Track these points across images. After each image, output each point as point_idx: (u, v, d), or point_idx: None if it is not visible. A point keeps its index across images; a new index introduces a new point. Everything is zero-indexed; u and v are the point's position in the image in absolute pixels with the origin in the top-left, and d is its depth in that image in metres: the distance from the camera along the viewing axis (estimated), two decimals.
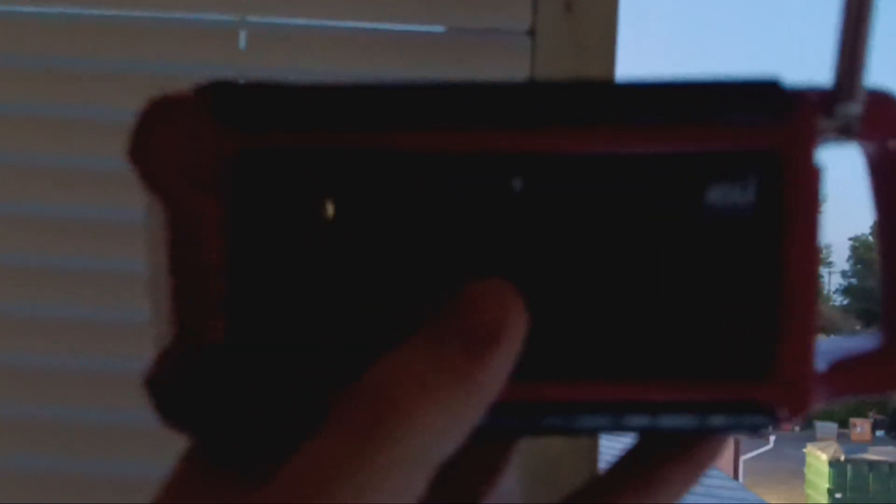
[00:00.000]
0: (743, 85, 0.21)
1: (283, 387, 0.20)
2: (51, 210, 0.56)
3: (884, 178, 0.23)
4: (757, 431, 0.21)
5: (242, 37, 0.54)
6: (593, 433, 0.22)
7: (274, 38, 0.55)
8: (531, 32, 0.53)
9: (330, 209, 0.20)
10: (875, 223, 0.23)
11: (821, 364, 0.21)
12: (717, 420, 0.21)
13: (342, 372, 0.19)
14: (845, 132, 0.21)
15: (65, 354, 0.56)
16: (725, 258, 0.20)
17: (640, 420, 0.21)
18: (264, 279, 0.20)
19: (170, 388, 0.20)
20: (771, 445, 10.98)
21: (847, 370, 0.22)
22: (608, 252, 0.20)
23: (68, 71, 0.55)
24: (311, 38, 0.54)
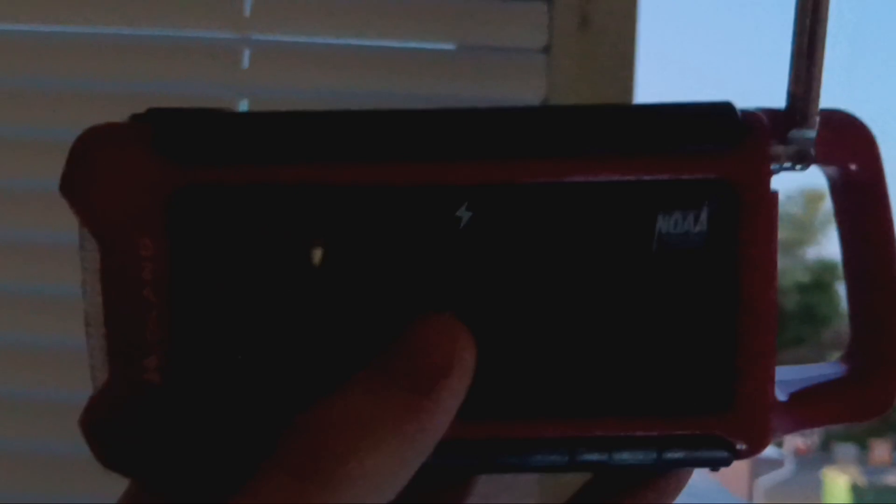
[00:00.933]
0: (695, 111, 0.20)
1: (222, 429, 0.19)
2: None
3: (844, 202, 0.22)
4: (716, 466, 0.21)
5: (245, 55, 0.52)
6: (548, 471, 0.21)
7: (278, 56, 0.53)
8: (546, 50, 0.51)
9: (269, 245, 0.19)
10: (840, 247, 0.23)
11: (782, 394, 0.21)
12: (674, 455, 0.20)
13: (283, 414, 0.18)
14: (800, 156, 0.20)
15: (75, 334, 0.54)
16: (680, 289, 0.20)
17: (597, 457, 0.20)
18: (202, 318, 0.19)
19: (106, 430, 0.19)
20: (787, 468, 10.87)
21: (809, 400, 0.22)
22: (559, 284, 0.20)
23: (65, 91, 0.54)
24: (316, 55, 0.53)
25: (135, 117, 0.20)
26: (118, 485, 0.21)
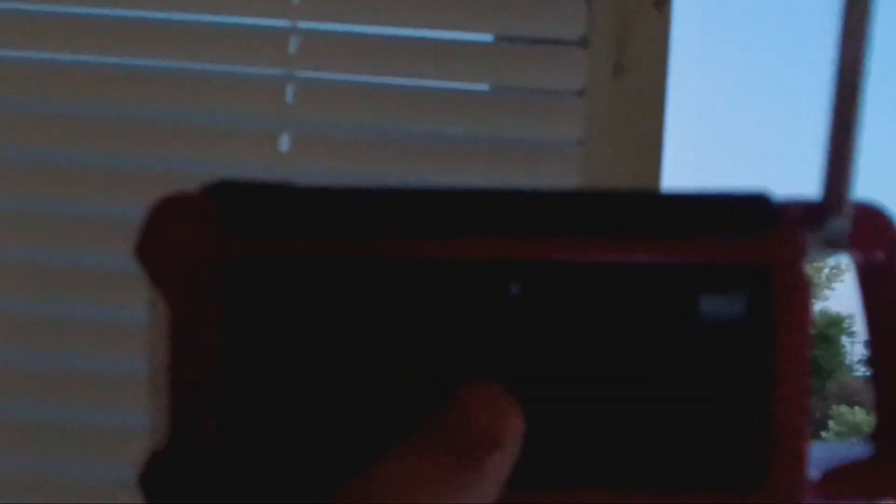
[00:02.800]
0: (733, 199, 0.21)
1: (277, 488, 0.20)
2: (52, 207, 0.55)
3: (872, 290, 0.23)
4: None
5: (290, 91, 0.54)
6: None
7: (321, 92, 0.55)
8: (581, 93, 0.53)
9: (328, 314, 0.20)
10: (866, 335, 0.24)
11: (814, 472, 0.22)
12: None
13: (335, 474, 0.19)
14: (833, 245, 0.22)
15: (66, 354, 0.54)
16: (717, 369, 0.21)
17: None
18: (260, 381, 0.20)
19: (163, 485, 0.20)
20: None
21: (839, 478, 0.22)
22: (602, 360, 0.21)
23: (119, 122, 0.55)
24: (357, 93, 0.54)
25: (205, 189, 0.21)
26: None
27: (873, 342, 0.24)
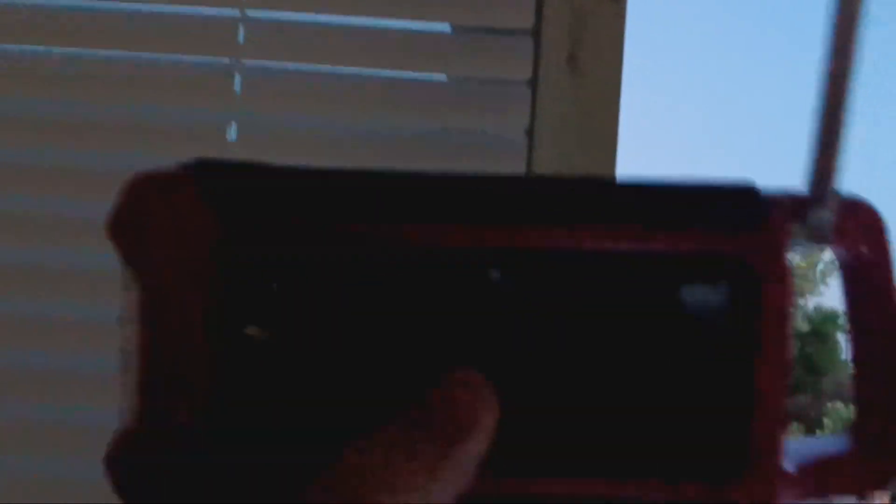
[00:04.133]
0: (720, 190, 0.21)
1: (249, 474, 0.20)
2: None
3: (856, 284, 0.23)
4: None
5: (237, 80, 0.53)
6: None
7: (270, 82, 0.54)
8: (532, 83, 0.52)
9: (308, 297, 0.20)
10: (847, 328, 0.24)
11: (790, 465, 0.22)
12: None
13: (311, 460, 0.18)
14: (817, 238, 0.22)
15: (65, 354, 0.54)
16: (698, 359, 0.21)
17: None
18: (236, 364, 0.20)
19: (133, 467, 0.20)
20: None
21: (815, 472, 0.22)
22: (582, 348, 0.20)
23: (61, 116, 0.54)
24: (307, 82, 0.54)
25: (182, 167, 0.20)
26: None
27: (855, 337, 0.23)
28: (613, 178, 0.22)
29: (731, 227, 0.21)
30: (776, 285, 0.21)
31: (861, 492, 0.23)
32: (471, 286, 0.20)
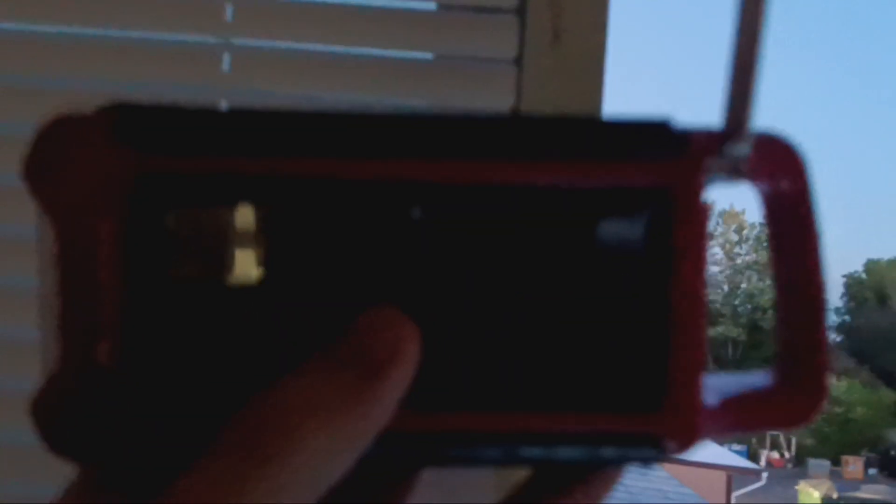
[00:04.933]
0: (635, 124, 0.21)
1: (173, 414, 0.20)
2: None
3: (775, 217, 0.23)
4: (646, 463, 0.22)
5: (226, 59, 0.54)
6: (488, 465, 0.22)
7: (259, 61, 0.54)
8: (517, 61, 0.53)
9: (227, 235, 0.20)
10: (770, 261, 0.24)
11: (712, 399, 0.22)
12: (608, 452, 0.21)
13: (234, 399, 0.19)
14: (734, 172, 0.22)
15: None
16: (616, 292, 0.21)
17: (535, 452, 0.21)
18: (156, 304, 0.20)
19: (55, 415, 0.19)
20: (763, 482, 10.91)
21: (738, 406, 0.23)
22: (501, 283, 0.21)
23: (44, 89, 0.54)
24: (296, 61, 0.54)
25: (100, 108, 0.20)
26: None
27: (777, 273, 0.24)
28: (528, 114, 0.22)
29: (647, 159, 0.21)
30: (692, 215, 0.21)
31: (784, 427, 0.23)
32: (388, 222, 0.20)
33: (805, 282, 0.23)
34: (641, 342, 0.21)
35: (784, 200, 0.23)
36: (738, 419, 0.22)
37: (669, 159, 0.21)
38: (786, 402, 0.23)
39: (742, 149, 0.21)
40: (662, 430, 0.21)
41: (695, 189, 0.21)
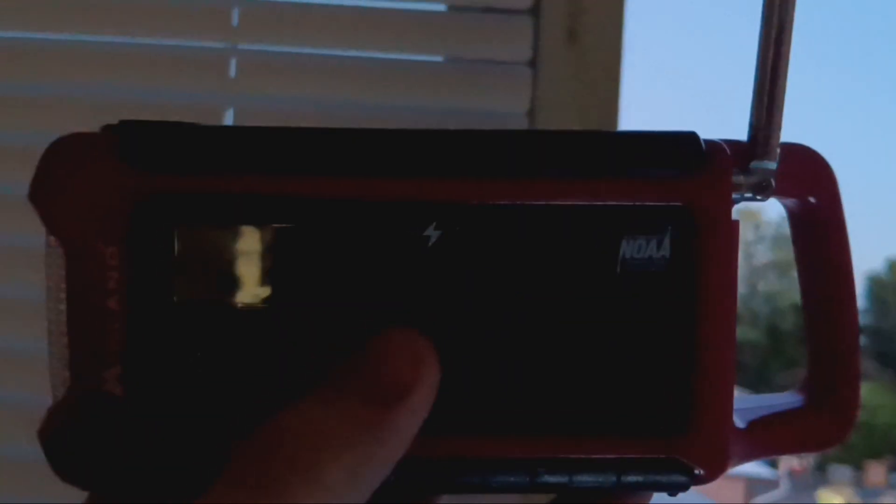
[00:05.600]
0: (660, 139, 0.21)
1: (182, 442, 0.19)
2: None
3: (803, 235, 0.22)
4: (675, 490, 0.21)
5: (233, 64, 0.53)
6: (510, 492, 0.21)
7: (265, 65, 0.53)
8: (532, 63, 0.51)
9: (236, 255, 0.19)
10: (799, 279, 0.23)
11: (740, 422, 0.21)
12: (633, 478, 0.20)
13: (243, 428, 0.18)
14: (762, 189, 0.21)
15: None
16: (642, 312, 0.20)
17: (557, 478, 0.20)
18: (163, 329, 0.19)
19: (64, 442, 0.19)
20: (782, 489, 10.83)
21: (767, 429, 0.22)
22: (524, 305, 0.20)
23: (53, 97, 0.54)
24: (303, 65, 0.53)
25: (105, 128, 0.20)
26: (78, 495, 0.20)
27: (806, 291, 0.23)
28: (550, 131, 0.22)
29: (672, 174, 0.20)
30: (719, 233, 0.20)
31: (815, 449, 0.22)
32: (406, 243, 0.19)
33: (836, 301, 0.22)
34: (668, 364, 0.20)
35: (813, 217, 0.22)
36: (767, 442, 0.22)
37: (695, 176, 0.20)
38: (815, 425, 0.22)
39: (769, 164, 0.21)
40: (690, 455, 0.20)
41: (721, 206, 0.20)
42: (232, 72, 0.53)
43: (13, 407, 0.53)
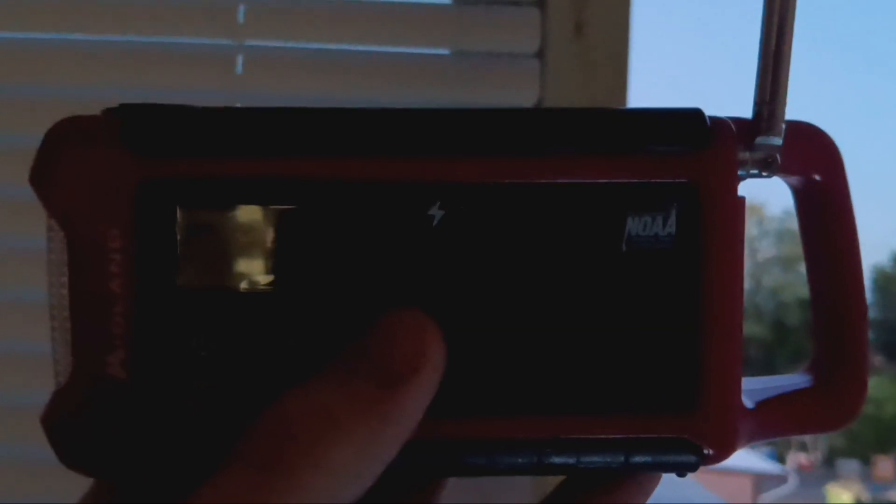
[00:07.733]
0: (665, 116, 0.20)
1: (187, 426, 0.19)
2: None
3: (808, 213, 0.22)
4: (683, 470, 0.21)
5: (239, 61, 0.52)
6: (518, 473, 0.20)
7: (272, 62, 0.53)
8: (540, 55, 0.51)
9: (240, 237, 0.19)
10: (805, 258, 0.23)
11: (749, 402, 0.21)
12: (642, 458, 0.20)
13: (250, 410, 0.17)
14: (767, 165, 0.21)
15: None
16: (648, 290, 0.20)
17: (565, 459, 0.20)
18: (167, 313, 0.19)
19: (67, 427, 0.19)
20: (791, 484, 10.81)
21: (775, 409, 0.22)
22: (529, 284, 0.20)
23: (58, 97, 0.54)
24: (310, 61, 0.53)
25: (107, 111, 0.19)
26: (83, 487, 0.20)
27: (812, 270, 0.23)
28: (554, 108, 0.21)
29: (677, 151, 0.20)
30: (725, 209, 0.20)
31: (824, 429, 0.22)
32: (410, 224, 0.19)
33: (842, 279, 0.22)
34: (675, 342, 0.20)
35: (818, 195, 0.22)
36: (776, 422, 0.22)
37: (699, 152, 0.20)
38: (824, 405, 0.22)
39: (774, 141, 0.21)
40: (698, 433, 0.20)
41: (727, 183, 0.20)
42: (238, 68, 0.52)
43: (13, 407, 0.53)
